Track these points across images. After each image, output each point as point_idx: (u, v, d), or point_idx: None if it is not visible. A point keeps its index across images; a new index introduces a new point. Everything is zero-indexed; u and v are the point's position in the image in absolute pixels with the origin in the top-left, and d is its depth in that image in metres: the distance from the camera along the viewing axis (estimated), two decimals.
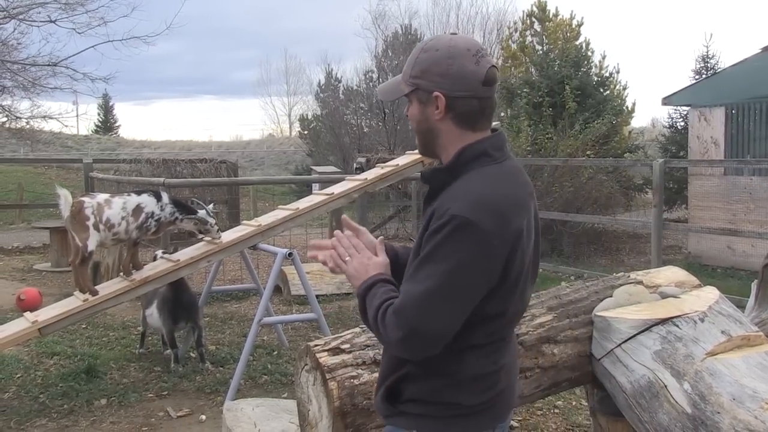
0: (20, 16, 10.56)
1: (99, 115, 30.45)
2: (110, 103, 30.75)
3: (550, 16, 14.87)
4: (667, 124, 12.83)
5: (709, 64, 11.67)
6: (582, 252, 8.94)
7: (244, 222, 4.63)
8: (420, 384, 1.35)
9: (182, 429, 3.60)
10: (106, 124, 30.90)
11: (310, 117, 19.40)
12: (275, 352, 4.74)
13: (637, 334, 2.27)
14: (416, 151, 4.81)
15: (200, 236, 4.08)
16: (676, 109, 11.72)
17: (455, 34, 1.39)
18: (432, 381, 1.34)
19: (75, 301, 3.76)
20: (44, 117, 12.16)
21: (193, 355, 4.66)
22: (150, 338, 4.91)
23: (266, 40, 63.05)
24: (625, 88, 12.43)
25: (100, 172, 9.26)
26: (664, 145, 12.25)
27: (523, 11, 16.83)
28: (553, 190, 8.68)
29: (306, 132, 18.85)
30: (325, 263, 1.44)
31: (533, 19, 15.22)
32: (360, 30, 21.95)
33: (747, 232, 6.75)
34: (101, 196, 3.80)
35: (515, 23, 16.44)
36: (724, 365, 2.14)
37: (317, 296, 4.87)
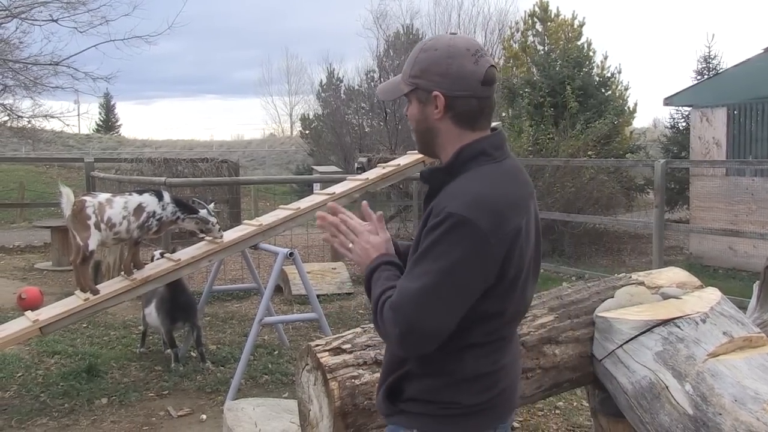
0: (22, 15, 10.57)
1: (100, 114, 30.50)
2: (112, 103, 30.82)
3: (552, 16, 14.87)
4: (668, 124, 12.83)
5: (711, 65, 11.66)
6: (583, 252, 8.94)
7: (246, 221, 4.63)
8: (420, 383, 1.36)
9: (183, 428, 3.60)
10: (108, 123, 30.93)
11: (311, 116, 19.41)
12: (276, 352, 4.74)
13: (639, 335, 2.26)
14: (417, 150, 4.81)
15: (201, 236, 4.08)
16: (677, 110, 11.71)
17: (455, 34, 1.39)
18: (432, 380, 1.35)
19: (76, 300, 3.76)
20: (46, 116, 12.19)
21: (194, 355, 4.66)
22: (151, 337, 4.91)
23: (268, 39, 63.16)
24: (626, 89, 12.44)
25: (102, 171, 9.27)
26: (665, 145, 12.24)
27: (525, 11, 16.86)
28: (554, 191, 8.67)
29: (307, 132, 18.86)
30: (328, 241, 1.47)
31: (535, 19, 15.22)
32: (361, 30, 22.11)
33: (749, 233, 6.74)
34: (103, 196, 3.80)
35: (517, 23, 16.45)
36: (725, 366, 2.13)
37: (318, 296, 4.87)
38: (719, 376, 2.10)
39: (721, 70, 10.57)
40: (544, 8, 14.97)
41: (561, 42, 13.59)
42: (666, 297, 2.50)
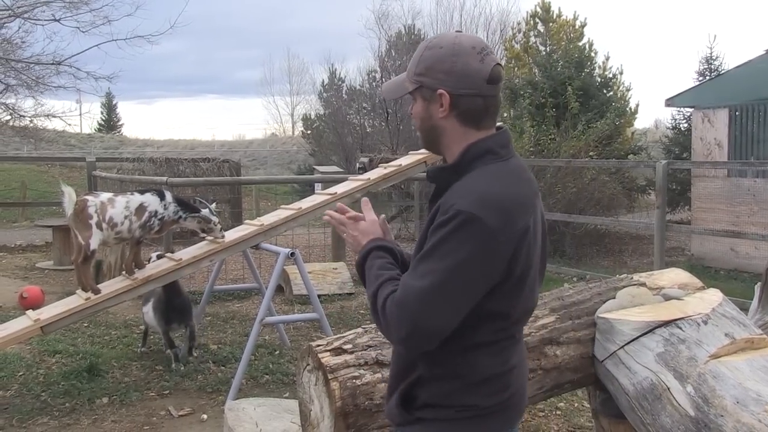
0: (25, 15, 10.58)
1: (102, 113, 30.52)
2: (113, 102, 30.82)
3: (554, 16, 14.86)
4: (670, 125, 12.81)
5: (712, 66, 11.65)
6: (584, 253, 8.93)
7: (247, 221, 4.63)
8: (434, 388, 1.34)
9: (184, 428, 3.60)
10: (109, 122, 30.95)
11: (313, 117, 19.42)
12: (277, 352, 4.74)
13: (640, 336, 2.26)
14: (419, 151, 4.80)
15: (203, 236, 4.08)
16: (679, 111, 11.70)
17: (460, 32, 1.38)
18: (446, 383, 1.33)
19: (77, 299, 3.76)
20: (48, 115, 12.19)
21: (195, 354, 4.66)
22: (152, 337, 4.91)
23: (270, 39, 63.20)
24: (628, 89, 12.43)
25: (103, 170, 9.27)
26: (667, 146, 12.22)
27: (527, 12, 16.84)
28: (555, 191, 8.67)
29: (309, 132, 18.87)
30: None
31: (537, 20, 15.21)
32: (363, 30, 22.07)
33: (750, 234, 6.73)
34: (104, 195, 3.80)
35: (518, 24, 16.44)
36: (727, 368, 2.13)
37: (319, 296, 4.87)
38: (721, 378, 2.09)
39: (723, 71, 10.56)
40: (546, 9, 14.96)
41: (563, 43, 13.57)
42: (667, 298, 2.49)
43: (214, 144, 29.53)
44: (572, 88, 9.89)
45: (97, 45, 11.31)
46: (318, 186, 7.05)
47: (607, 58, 13.30)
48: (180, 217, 3.92)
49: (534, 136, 9.70)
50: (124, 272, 3.96)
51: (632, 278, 2.69)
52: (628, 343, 2.27)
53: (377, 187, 4.61)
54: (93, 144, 25.21)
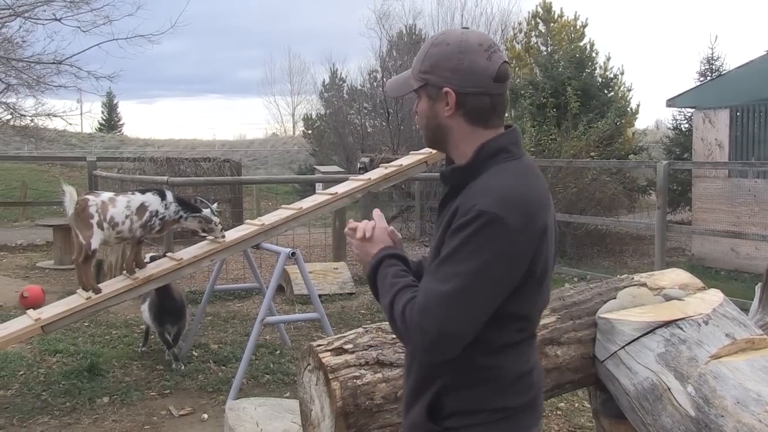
0: (25, 14, 10.58)
1: (103, 113, 30.56)
2: (114, 102, 30.86)
3: (555, 16, 14.86)
4: (671, 125, 12.81)
5: (714, 66, 11.65)
6: (585, 253, 8.93)
7: (248, 221, 4.63)
8: (462, 395, 1.30)
9: (184, 428, 3.60)
10: (110, 122, 30.99)
11: (313, 116, 19.43)
12: (278, 352, 4.75)
13: (641, 336, 2.26)
14: (420, 151, 4.80)
15: (203, 235, 4.08)
16: (680, 111, 11.70)
17: (467, 28, 1.34)
18: (474, 389, 1.30)
19: (78, 299, 3.76)
20: (48, 115, 12.19)
21: (195, 354, 4.66)
22: (153, 336, 4.91)
23: (271, 39, 63.21)
24: (629, 90, 12.45)
25: (104, 170, 9.28)
26: (668, 146, 12.22)
27: (528, 12, 16.85)
28: (556, 191, 8.66)
29: (310, 131, 18.88)
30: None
31: (538, 20, 15.21)
32: (364, 30, 21.93)
33: (751, 235, 6.73)
34: (105, 195, 3.80)
35: (520, 24, 16.44)
36: (728, 368, 2.13)
37: (320, 296, 4.87)
38: (721, 378, 2.09)
39: (724, 72, 10.56)
40: (547, 9, 14.96)
41: (564, 43, 13.57)
42: (668, 298, 2.49)
43: (215, 144, 29.54)
44: (571, 89, 9.90)
45: (98, 44, 11.32)
46: (319, 186, 7.05)
47: (608, 59, 13.31)
48: (181, 216, 3.92)
49: (535, 136, 9.70)
50: (124, 272, 3.96)
51: (633, 278, 2.68)
52: (629, 343, 2.27)
53: (378, 187, 4.61)
54: (94, 143, 25.22)
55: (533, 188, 1.27)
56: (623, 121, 10.83)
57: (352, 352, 2.10)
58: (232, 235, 4.17)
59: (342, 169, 10.78)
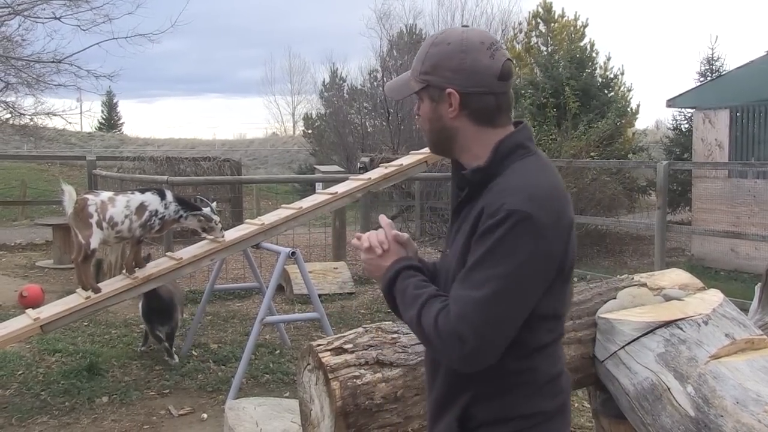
0: (25, 13, 10.58)
1: (103, 112, 30.52)
2: (114, 101, 30.81)
3: (556, 17, 14.86)
4: (671, 126, 12.81)
5: (714, 67, 11.65)
6: (585, 253, 8.93)
7: (248, 221, 4.63)
8: (495, 402, 1.25)
9: (184, 427, 3.60)
10: (110, 121, 30.96)
11: (314, 116, 19.43)
12: (277, 351, 4.74)
13: (641, 336, 2.26)
14: (420, 151, 4.80)
15: (203, 235, 4.08)
16: (680, 111, 11.70)
17: (467, 26, 1.31)
18: (508, 396, 1.25)
19: (77, 298, 3.76)
20: (48, 114, 12.19)
21: (195, 353, 4.66)
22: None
23: (271, 38, 63.27)
24: (629, 90, 12.47)
25: (104, 169, 9.27)
26: (668, 147, 12.23)
27: (529, 12, 16.84)
28: None
29: (310, 131, 18.89)
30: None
31: (538, 20, 15.22)
32: (365, 29, 21.94)
33: (750, 235, 6.73)
34: (105, 194, 3.80)
35: (520, 24, 16.46)
36: (727, 368, 2.13)
37: (320, 295, 4.87)
38: (721, 378, 2.09)
39: (724, 72, 10.56)
40: (548, 9, 14.97)
41: (564, 43, 13.58)
42: (668, 298, 2.49)
43: (214, 143, 29.53)
44: (570, 89, 9.90)
45: (97, 43, 11.33)
46: (319, 185, 7.04)
47: (609, 59, 13.33)
48: (181, 216, 3.92)
49: (535, 137, 9.70)
50: (124, 271, 3.96)
51: (633, 279, 2.68)
52: (629, 343, 2.26)
53: (378, 186, 4.61)
54: (93, 143, 25.20)
55: (556, 183, 1.24)
56: (623, 121, 10.84)
57: (352, 352, 2.10)
58: (232, 234, 4.17)
59: (342, 169, 10.77)
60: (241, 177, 10.08)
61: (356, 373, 2.04)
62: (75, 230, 3.68)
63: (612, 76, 12.10)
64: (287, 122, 37.01)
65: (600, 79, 11.29)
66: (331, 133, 16.61)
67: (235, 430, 2.93)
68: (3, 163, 16.58)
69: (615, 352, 2.30)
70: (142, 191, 3.93)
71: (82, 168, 11.40)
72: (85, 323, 5.33)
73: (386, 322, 2.32)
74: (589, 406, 3.09)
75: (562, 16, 14.90)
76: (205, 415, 3.72)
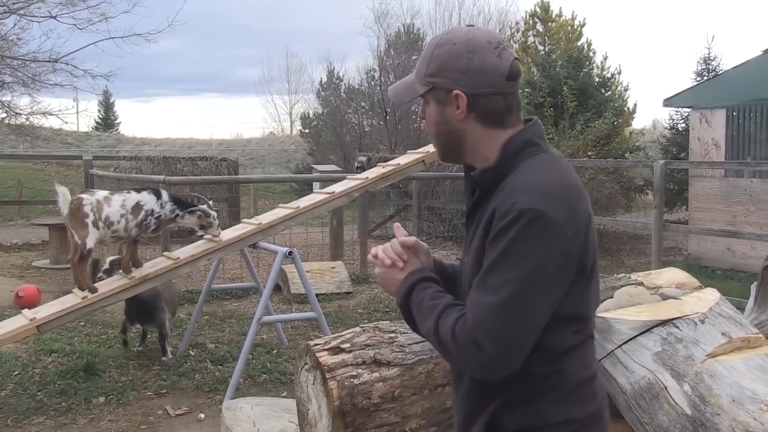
0: (20, 12, 10.55)
1: (99, 111, 30.45)
2: (111, 100, 30.76)
3: (553, 16, 14.88)
4: (668, 125, 12.85)
5: (710, 66, 11.68)
6: None
7: (245, 220, 4.62)
8: (522, 410, 1.20)
9: (181, 427, 3.60)
10: (107, 121, 30.89)
11: (311, 115, 19.41)
12: (275, 351, 4.74)
13: (638, 335, 2.26)
14: (418, 150, 4.80)
15: (200, 233, 4.07)
16: (677, 111, 11.73)
17: (472, 26, 1.29)
18: (536, 402, 1.20)
19: (74, 298, 3.75)
20: (44, 113, 12.15)
21: (192, 353, 4.65)
22: (150, 336, 4.90)
23: (269, 38, 63.16)
24: (626, 89, 12.46)
25: (100, 169, 9.26)
26: (665, 146, 12.26)
27: (526, 11, 16.86)
28: None
29: (307, 130, 18.87)
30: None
31: (536, 20, 15.23)
32: (362, 29, 22.04)
33: (747, 234, 6.75)
34: (100, 194, 3.79)
35: (517, 23, 16.47)
36: (724, 367, 2.13)
37: (317, 295, 4.87)
38: (717, 377, 2.10)
39: (720, 72, 10.60)
40: (545, 8, 14.98)
41: (561, 42, 13.59)
42: (665, 297, 2.50)
43: (212, 143, 29.48)
44: (569, 88, 9.91)
45: (94, 43, 11.31)
46: (316, 185, 7.04)
47: (606, 58, 13.37)
48: (177, 215, 3.91)
49: None
50: (121, 271, 3.95)
51: (630, 277, 2.69)
52: (626, 342, 2.27)
53: (375, 186, 4.61)
54: (90, 142, 25.14)
55: (570, 179, 1.21)
56: (620, 120, 10.86)
57: (350, 352, 2.10)
58: (229, 234, 4.16)
59: (339, 169, 10.76)
60: (239, 176, 10.07)
61: (353, 373, 2.04)
62: (71, 230, 3.67)
63: (609, 75, 12.11)
64: (284, 122, 36.99)
65: (597, 79, 11.31)
66: (329, 132, 16.60)
67: (233, 430, 2.93)
68: None
69: (612, 351, 2.30)
70: (138, 191, 3.92)
71: (79, 168, 11.38)
72: (82, 323, 5.31)
73: (383, 322, 2.33)
74: None
75: (560, 15, 14.93)
76: (202, 415, 3.71)
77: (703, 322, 2.27)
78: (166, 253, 4.17)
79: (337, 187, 4.53)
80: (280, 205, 4.65)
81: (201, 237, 4.10)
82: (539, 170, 1.19)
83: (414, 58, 16.57)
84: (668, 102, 9.03)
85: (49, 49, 11.11)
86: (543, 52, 13.47)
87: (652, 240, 6.70)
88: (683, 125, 11.52)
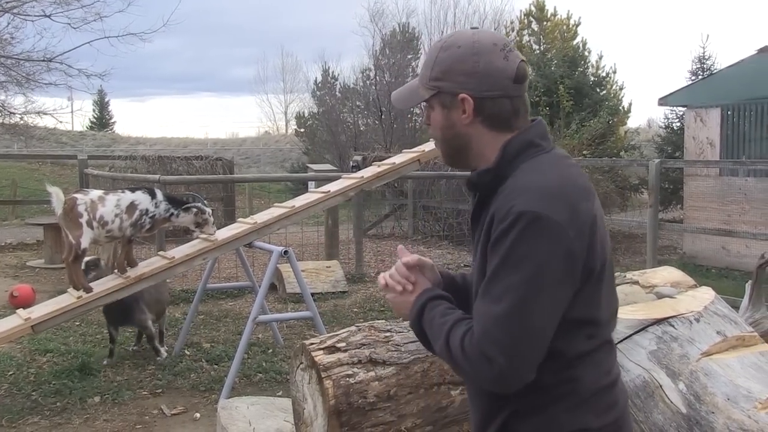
0: (14, 11, 10.50)
1: (94, 111, 30.35)
2: (106, 100, 30.62)
3: (548, 15, 14.90)
4: (663, 124, 12.89)
5: (705, 65, 11.72)
6: None
7: (240, 219, 4.61)
8: (534, 419, 1.17)
9: (176, 427, 3.59)
10: (102, 120, 30.79)
11: (306, 115, 19.41)
12: (270, 350, 4.73)
13: (633, 334, 2.27)
14: (413, 149, 4.80)
15: (195, 232, 4.05)
16: (672, 110, 11.77)
17: (476, 28, 1.27)
18: (548, 411, 1.16)
19: (68, 298, 3.73)
20: (38, 113, 12.10)
21: (188, 353, 4.64)
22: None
23: (264, 37, 63.12)
24: (621, 89, 12.52)
25: (95, 168, 9.22)
26: (660, 145, 12.29)
27: (521, 10, 16.87)
28: None
29: (302, 130, 18.86)
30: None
31: (531, 19, 15.25)
32: (358, 28, 22.01)
33: (741, 233, 6.78)
34: (94, 193, 3.77)
35: (512, 22, 16.48)
36: (719, 365, 2.14)
37: (313, 294, 4.86)
38: (712, 375, 2.10)
39: (715, 71, 10.63)
40: (540, 8, 15.00)
41: (556, 42, 13.62)
42: (660, 296, 2.51)
43: (207, 142, 29.43)
44: (564, 87, 9.94)
45: (88, 42, 11.27)
46: (311, 184, 7.03)
47: (601, 57, 13.42)
48: (172, 215, 3.90)
49: None
50: (115, 270, 3.93)
51: (625, 276, 2.70)
52: (621, 341, 2.27)
53: (371, 185, 4.60)
54: (85, 142, 25.05)
55: (572, 177, 1.17)
56: (615, 119, 10.90)
57: (345, 351, 2.10)
58: (225, 233, 4.15)
59: (335, 168, 10.75)
60: (234, 176, 10.07)
61: (349, 372, 2.04)
62: (65, 230, 3.66)
63: (604, 74, 12.16)
64: (280, 121, 36.96)
65: (592, 78, 11.35)
66: (324, 131, 16.60)
67: (228, 430, 2.92)
68: None
69: None
70: (133, 190, 3.91)
71: (74, 167, 11.32)
72: (77, 323, 5.29)
73: (379, 321, 2.32)
74: None
75: (555, 14, 14.95)
76: (197, 415, 3.70)
77: (698, 320, 2.28)
78: (161, 253, 4.15)
79: (333, 187, 4.52)
80: (276, 204, 4.63)
81: (196, 236, 4.09)
82: (537, 171, 1.16)
83: (409, 57, 16.59)
84: (663, 101, 9.06)
85: (44, 48, 11.08)
86: (538, 52, 13.48)
87: (647, 239, 6.72)
88: (678, 124, 11.56)
